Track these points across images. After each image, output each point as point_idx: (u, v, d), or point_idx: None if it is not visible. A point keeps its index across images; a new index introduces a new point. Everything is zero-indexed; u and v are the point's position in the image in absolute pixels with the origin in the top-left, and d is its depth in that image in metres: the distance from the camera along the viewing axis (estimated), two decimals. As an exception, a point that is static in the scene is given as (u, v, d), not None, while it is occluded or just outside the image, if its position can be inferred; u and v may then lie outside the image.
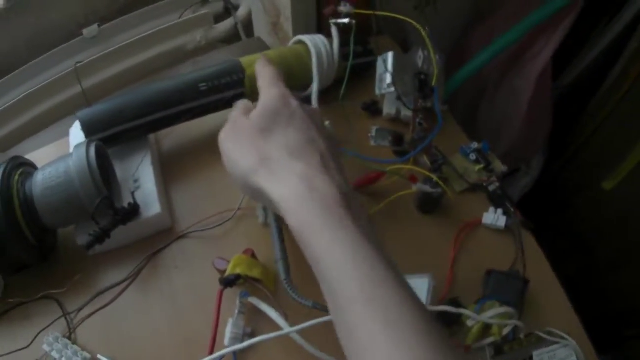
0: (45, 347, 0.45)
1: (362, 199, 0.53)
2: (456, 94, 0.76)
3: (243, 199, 0.53)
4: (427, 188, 0.50)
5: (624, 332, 0.90)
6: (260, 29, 0.76)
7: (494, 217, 0.52)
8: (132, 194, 0.50)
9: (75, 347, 0.46)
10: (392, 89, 0.56)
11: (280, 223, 0.45)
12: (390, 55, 0.57)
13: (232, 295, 0.46)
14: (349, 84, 0.58)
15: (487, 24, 0.79)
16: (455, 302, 0.45)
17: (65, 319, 0.48)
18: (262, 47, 0.75)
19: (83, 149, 0.47)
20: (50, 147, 0.61)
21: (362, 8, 0.57)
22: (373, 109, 0.61)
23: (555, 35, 0.74)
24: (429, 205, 0.53)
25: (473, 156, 0.56)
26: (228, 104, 0.55)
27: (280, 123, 0.36)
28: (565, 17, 0.72)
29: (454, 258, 0.50)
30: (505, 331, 0.44)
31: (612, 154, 0.84)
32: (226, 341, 0.44)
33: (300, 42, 0.59)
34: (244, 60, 0.55)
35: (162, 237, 0.52)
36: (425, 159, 0.55)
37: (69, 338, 0.47)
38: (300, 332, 0.42)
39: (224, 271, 0.46)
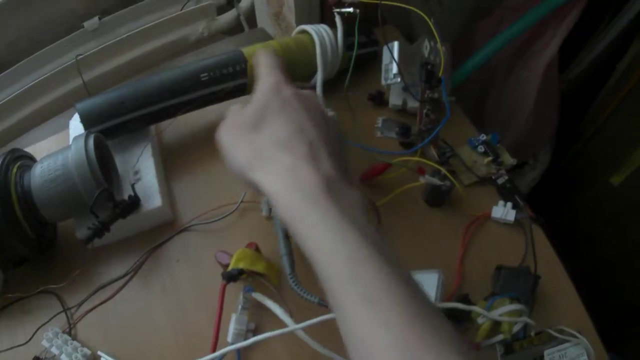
0: (45, 343, 0.44)
1: (368, 191, 0.52)
2: (462, 87, 0.76)
3: (246, 191, 0.52)
4: (436, 181, 0.49)
5: (630, 330, 0.89)
6: (263, 20, 0.75)
7: (503, 211, 0.51)
8: (133, 186, 0.49)
9: (75, 342, 0.45)
10: (399, 79, 0.55)
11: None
12: (396, 45, 0.56)
13: (236, 290, 0.45)
14: (353, 75, 0.57)
15: (493, 16, 0.78)
16: (465, 299, 0.44)
17: (65, 314, 0.47)
18: (265, 37, 0.74)
19: (81, 141, 0.46)
20: (51, 140, 0.61)
21: (367, -4, 0.55)
22: (379, 99, 0.60)
23: (562, 27, 0.73)
24: (438, 198, 0.52)
25: (481, 148, 0.55)
26: (230, 94, 0.54)
27: (270, 115, 0.36)
28: (572, 9, 0.71)
29: (463, 252, 0.49)
30: (516, 329, 0.43)
31: (620, 148, 0.82)
32: (229, 338, 0.43)
33: (304, 31, 0.58)
34: (246, 50, 0.54)
35: (163, 231, 0.52)
36: (432, 151, 0.54)
37: (69, 333, 0.46)
38: (305, 329, 0.41)
39: (227, 265, 0.45)
